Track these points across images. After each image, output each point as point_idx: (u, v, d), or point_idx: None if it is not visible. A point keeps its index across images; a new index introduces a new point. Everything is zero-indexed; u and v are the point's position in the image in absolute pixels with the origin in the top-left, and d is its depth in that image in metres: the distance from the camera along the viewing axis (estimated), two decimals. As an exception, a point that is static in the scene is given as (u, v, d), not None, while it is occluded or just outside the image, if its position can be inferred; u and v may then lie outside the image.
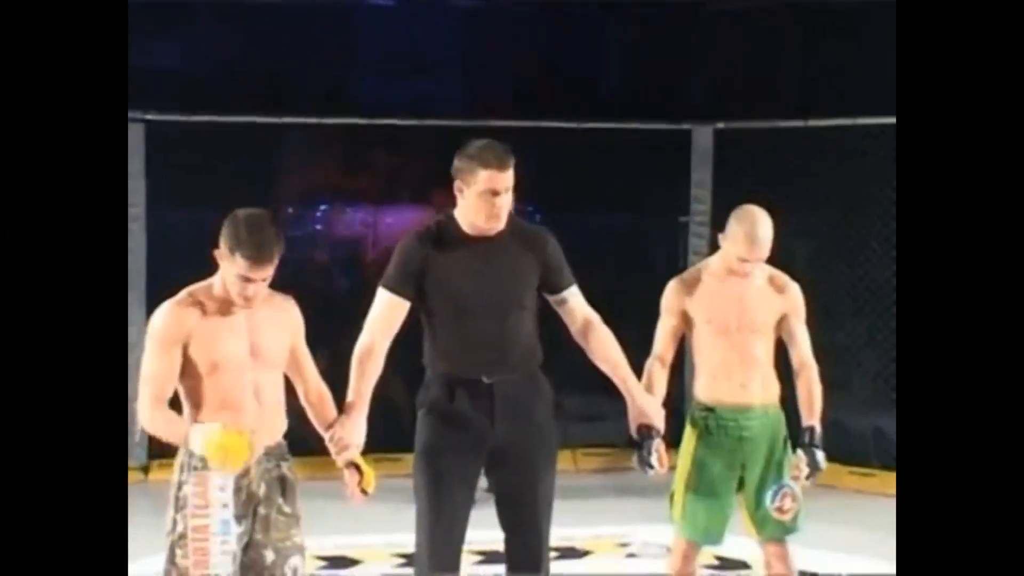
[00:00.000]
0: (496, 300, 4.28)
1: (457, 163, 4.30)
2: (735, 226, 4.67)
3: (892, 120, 7.36)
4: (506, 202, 4.27)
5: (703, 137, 8.30)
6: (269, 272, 3.95)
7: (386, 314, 4.30)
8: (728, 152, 8.12)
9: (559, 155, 8.00)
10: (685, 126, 8.36)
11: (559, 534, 4.82)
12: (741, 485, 4.76)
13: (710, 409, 4.73)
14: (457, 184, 4.30)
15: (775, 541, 4.78)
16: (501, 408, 4.30)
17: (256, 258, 3.88)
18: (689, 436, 4.76)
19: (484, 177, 4.22)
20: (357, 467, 4.19)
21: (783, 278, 4.79)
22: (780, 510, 4.64)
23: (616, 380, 4.46)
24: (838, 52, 8.24)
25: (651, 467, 4.46)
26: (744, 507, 4.79)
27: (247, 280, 3.92)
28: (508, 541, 4.42)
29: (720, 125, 8.30)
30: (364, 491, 4.18)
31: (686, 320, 4.76)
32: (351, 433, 4.18)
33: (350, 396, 4.25)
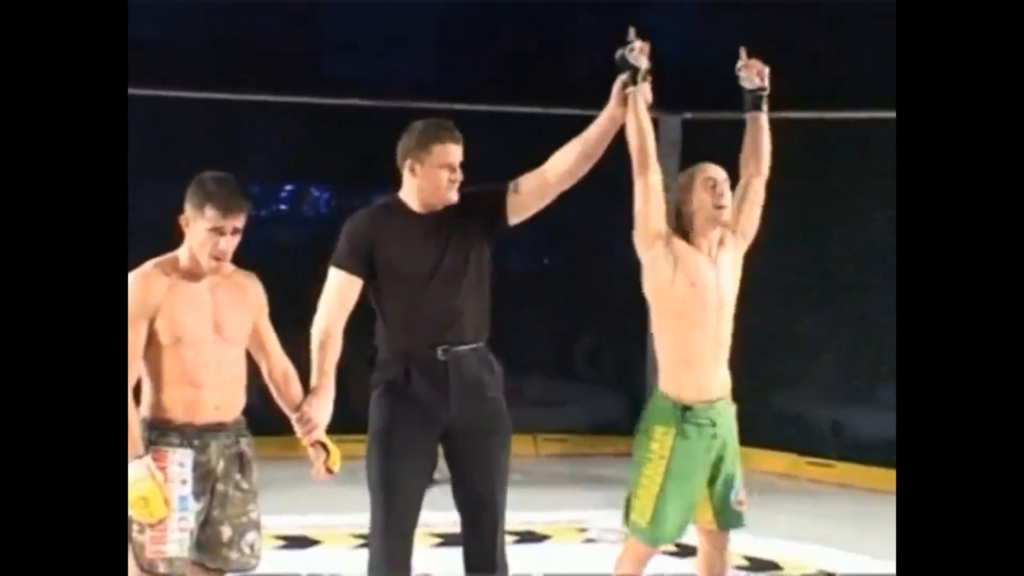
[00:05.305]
0: (446, 271, 4.31)
1: (406, 143, 4.36)
2: (688, 177, 4.53)
3: (860, 114, 7.73)
4: (459, 175, 4.34)
5: (671, 127, 8.28)
6: (240, 222, 3.95)
7: (339, 293, 4.32)
8: (696, 143, 8.05)
9: (527, 141, 7.94)
10: (652, 115, 8.17)
11: (518, 519, 4.95)
12: (711, 481, 4.51)
13: (687, 408, 4.42)
14: (409, 163, 4.35)
15: (726, 531, 4.59)
16: (456, 385, 4.32)
17: (226, 206, 3.89)
18: (661, 438, 4.43)
19: (441, 151, 4.31)
20: (323, 446, 4.17)
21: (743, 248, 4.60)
22: (740, 501, 4.53)
23: (581, 138, 4.40)
24: (809, 45, 8.26)
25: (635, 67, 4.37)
26: (708, 501, 4.52)
27: (219, 233, 3.92)
28: (464, 522, 4.43)
29: (688, 115, 8.30)
30: (330, 470, 4.17)
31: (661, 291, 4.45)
32: (318, 412, 4.19)
33: (315, 376, 4.25)
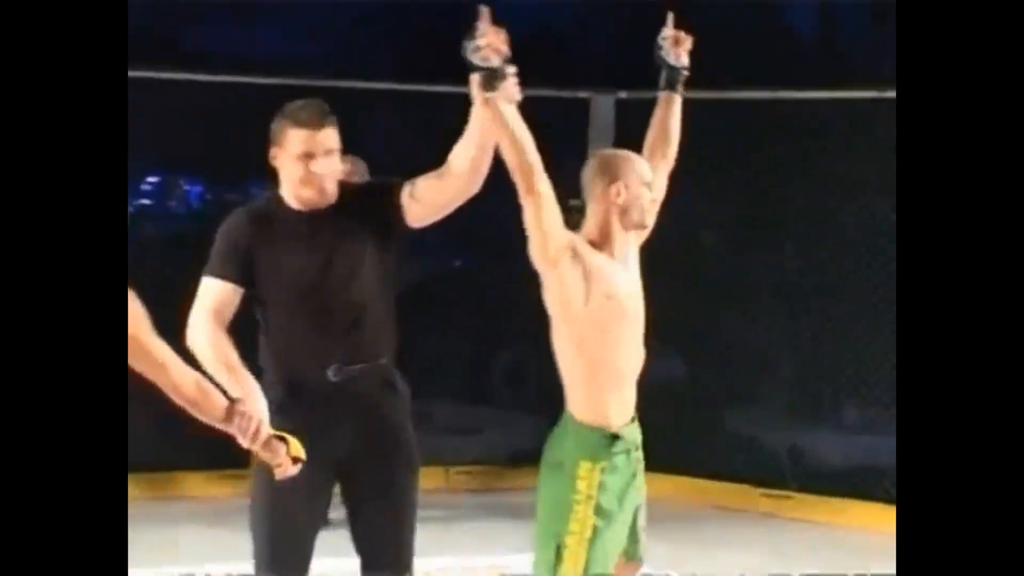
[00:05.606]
0: (336, 278, 4.11)
1: (272, 127, 4.13)
2: (628, 172, 4.10)
3: (803, 94, 7.76)
4: (327, 167, 4.08)
5: (604, 107, 8.01)
6: None
7: (215, 303, 4.09)
8: (631, 123, 7.53)
9: (444, 122, 7.65)
10: (583, 94, 8.08)
11: (432, 564, 4.82)
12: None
13: (615, 436, 4.06)
14: (272, 151, 4.14)
15: (636, 561, 4.27)
16: (350, 409, 4.12)
17: None
18: (588, 475, 4.06)
19: (297, 138, 4.06)
20: (280, 438, 3.80)
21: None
22: (642, 528, 4.23)
23: (470, 138, 3.98)
24: (740, 24, 8.43)
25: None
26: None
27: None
28: (364, 568, 4.23)
29: (623, 95, 8.02)
30: (297, 459, 3.81)
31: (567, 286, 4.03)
32: (255, 406, 3.80)
33: (227, 380, 3.89)
